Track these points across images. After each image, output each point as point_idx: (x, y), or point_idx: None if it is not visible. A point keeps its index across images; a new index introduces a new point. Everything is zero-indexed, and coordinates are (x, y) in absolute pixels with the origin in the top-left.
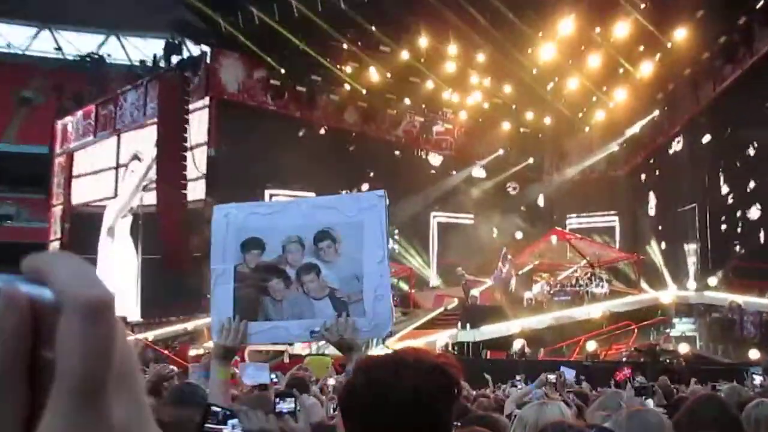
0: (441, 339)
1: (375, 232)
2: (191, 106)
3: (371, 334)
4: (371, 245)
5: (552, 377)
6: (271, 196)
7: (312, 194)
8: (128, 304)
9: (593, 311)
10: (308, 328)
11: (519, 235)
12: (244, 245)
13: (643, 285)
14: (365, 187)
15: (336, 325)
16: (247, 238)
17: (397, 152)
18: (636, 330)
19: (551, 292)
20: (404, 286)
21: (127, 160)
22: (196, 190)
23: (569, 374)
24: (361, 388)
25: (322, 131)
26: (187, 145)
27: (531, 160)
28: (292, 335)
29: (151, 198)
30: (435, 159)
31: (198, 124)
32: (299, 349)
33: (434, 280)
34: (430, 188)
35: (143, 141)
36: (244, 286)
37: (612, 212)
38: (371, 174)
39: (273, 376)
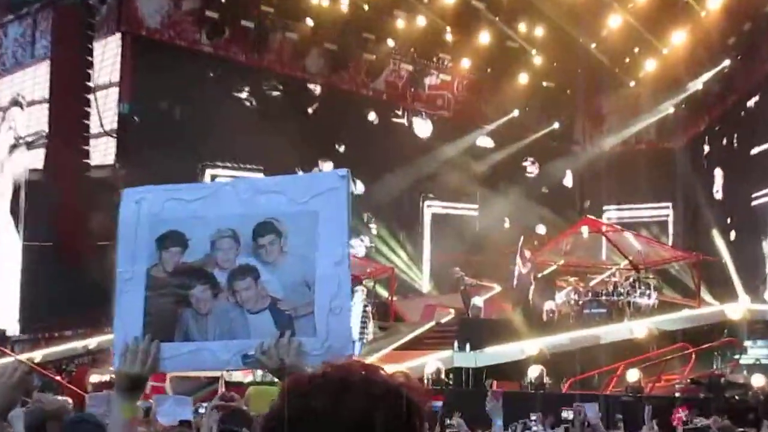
0: (431, 363)
1: (334, 225)
2: (96, 44)
3: (324, 358)
4: (328, 242)
5: (569, 415)
6: (211, 176)
7: (259, 174)
8: (5, 312)
9: (636, 329)
10: (240, 350)
11: (540, 228)
12: (160, 241)
13: (705, 295)
14: (328, 166)
15: (277, 347)
16: (165, 232)
17: (373, 116)
18: (694, 355)
19: (580, 302)
20: (383, 292)
21: (4, 106)
22: (101, 151)
23: (592, 412)
24: (291, 418)
25: (275, 83)
26: (91, 95)
27: (556, 126)
28: (220, 360)
29: (37, 159)
30: (424, 125)
31: (106, 70)
32: (240, 375)
33: (424, 285)
34: (420, 163)
35: (29, 83)
36: (158, 295)
37: (663, 198)
38: (340, 146)
39: (202, 409)
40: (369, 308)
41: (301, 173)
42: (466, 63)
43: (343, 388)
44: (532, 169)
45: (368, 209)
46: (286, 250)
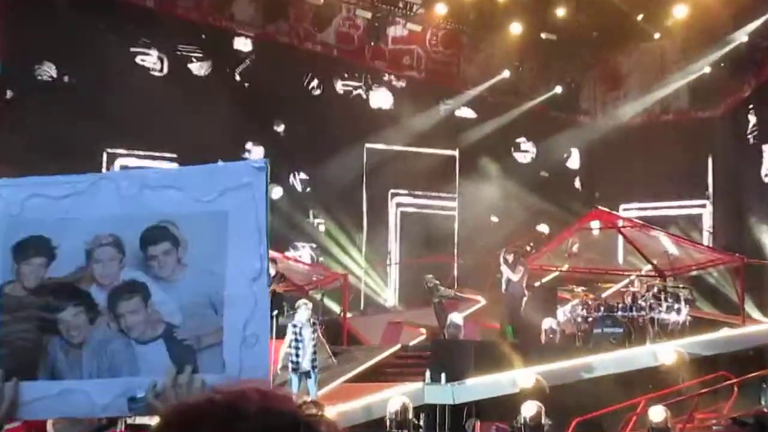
0: (394, 399)
1: (248, 230)
2: None
3: None
4: (241, 252)
5: None
6: (120, 166)
7: (172, 164)
8: None
9: (662, 353)
10: (125, 392)
11: (541, 225)
12: (18, 250)
13: (751, 309)
14: (258, 152)
15: (174, 387)
16: (25, 238)
17: (320, 81)
18: (736, 387)
19: (590, 319)
20: (333, 306)
21: None
22: None
23: None
24: None
25: (192, 38)
26: None
27: (558, 90)
28: (97, 405)
29: None
30: (387, 92)
31: None
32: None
33: (388, 297)
34: (382, 142)
35: None
36: (15, 321)
37: (697, 185)
38: (278, 125)
39: None
40: (318, 329)
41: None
42: (441, 9)
43: (235, 418)
44: (527, 147)
45: (315, 204)
46: (186, 263)
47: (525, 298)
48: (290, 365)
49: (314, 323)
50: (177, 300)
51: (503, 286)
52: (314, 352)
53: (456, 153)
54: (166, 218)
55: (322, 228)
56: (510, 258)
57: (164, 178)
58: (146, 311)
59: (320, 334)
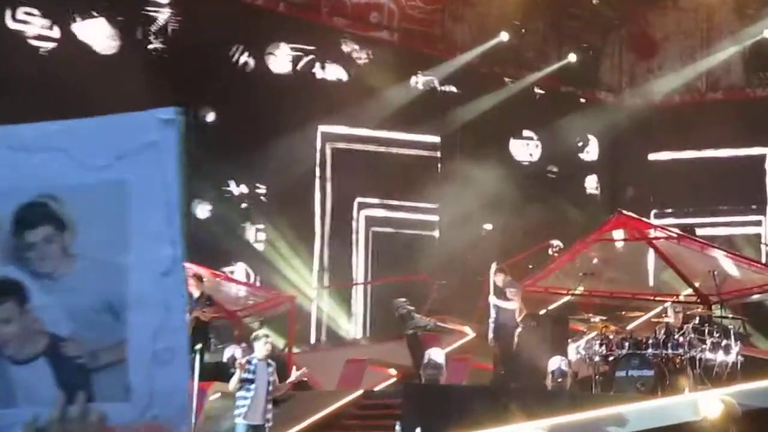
0: None
1: (154, 205)
2: None
3: None
4: (146, 236)
5: None
6: None
7: None
8: None
9: (706, 404)
10: None
11: (553, 239)
12: None
13: None
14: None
15: (62, 421)
16: None
17: (254, 56)
18: None
19: (610, 357)
20: (276, 339)
21: None
22: None
23: None
24: None
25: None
26: None
27: (572, 59)
28: None
29: None
30: (352, 61)
31: None
32: None
33: (347, 327)
34: (342, 121)
35: None
36: None
37: (754, 186)
38: (206, 113)
39: None
40: (275, 371)
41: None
42: None
43: None
44: (530, 134)
45: (254, 211)
46: (74, 253)
47: (517, 331)
48: (240, 411)
49: (270, 364)
50: (64, 303)
51: (492, 317)
52: (270, 401)
53: (438, 140)
54: (45, 192)
55: (262, 239)
56: (499, 280)
57: (41, 137)
58: (22, 319)
59: (276, 379)
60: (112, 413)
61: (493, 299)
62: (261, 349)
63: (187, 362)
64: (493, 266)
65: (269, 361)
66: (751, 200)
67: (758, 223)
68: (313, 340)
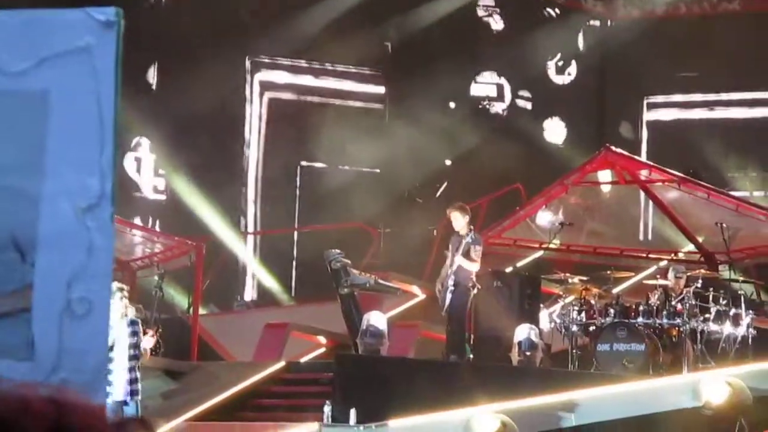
0: None
1: (82, 123)
2: None
3: None
4: (68, 160)
5: None
6: None
7: None
8: None
9: (708, 387)
10: None
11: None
12: None
13: None
14: None
15: None
16: None
17: None
18: None
19: (591, 327)
20: (179, 298)
21: None
22: None
23: None
24: None
25: None
26: None
27: None
28: None
29: None
30: None
31: None
32: None
33: (266, 284)
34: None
35: None
36: None
37: None
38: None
39: None
40: (139, 332)
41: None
42: None
43: None
44: (493, 55)
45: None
46: None
47: (473, 293)
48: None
49: (133, 322)
50: None
51: (445, 277)
52: (134, 370)
53: (387, 47)
54: None
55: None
56: (459, 221)
57: None
58: None
59: (155, 343)
60: (9, 373)
61: (459, 258)
62: (116, 305)
63: (107, 318)
64: (451, 210)
65: (132, 319)
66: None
67: None
68: (224, 300)
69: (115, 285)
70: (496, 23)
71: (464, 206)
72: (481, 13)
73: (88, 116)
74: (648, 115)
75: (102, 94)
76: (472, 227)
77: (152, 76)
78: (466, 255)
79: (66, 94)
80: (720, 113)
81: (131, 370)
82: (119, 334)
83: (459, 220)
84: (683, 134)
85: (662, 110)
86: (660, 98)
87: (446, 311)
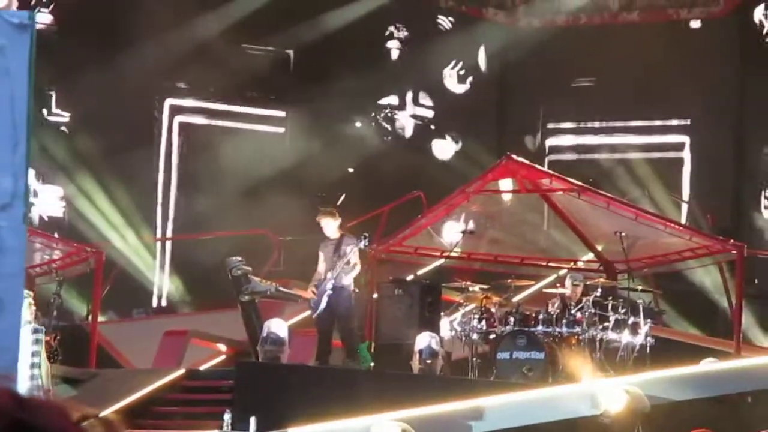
0: None
1: None
2: None
3: None
4: None
5: None
6: None
7: None
8: None
9: (606, 395)
10: None
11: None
12: None
13: (752, 330)
14: None
15: None
16: None
17: None
18: None
19: (491, 335)
20: (76, 305)
21: None
22: None
23: None
24: None
25: None
26: None
27: None
28: None
29: None
30: None
31: None
32: None
33: (166, 292)
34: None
35: None
36: None
37: (676, 114)
38: None
39: None
40: (42, 340)
41: None
42: None
43: None
44: (393, 44)
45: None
46: None
47: (353, 296)
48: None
49: (37, 330)
50: None
51: (320, 278)
52: (35, 378)
53: (290, 54)
54: None
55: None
56: (330, 226)
57: None
58: None
59: (50, 351)
60: None
61: (351, 260)
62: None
63: (19, 317)
64: (321, 213)
65: (36, 326)
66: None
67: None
68: (122, 307)
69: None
70: (398, 32)
71: (333, 211)
72: (383, 21)
73: (1, 117)
74: (549, 140)
75: (15, 94)
76: (342, 231)
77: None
78: (348, 258)
79: None
80: (618, 139)
81: (33, 378)
82: (22, 341)
83: (331, 225)
84: (581, 159)
85: (561, 136)
86: (558, 125)
87: (323, 314)
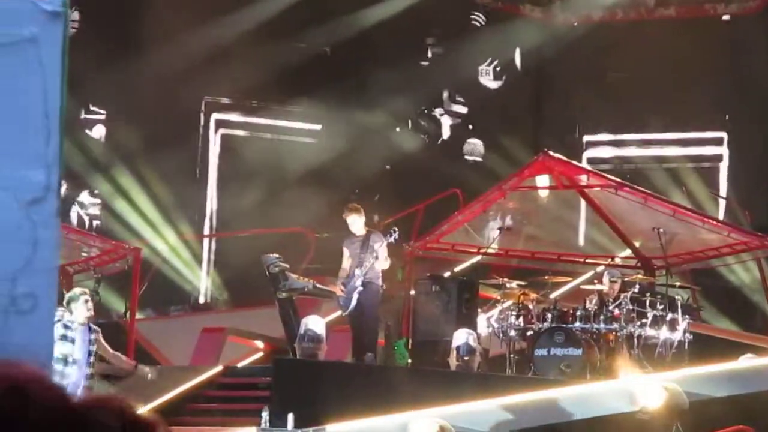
0: None
1: (26, 116)
2: None
3: None
4: (10, 153)
5: None
6: None
7: None
8: None
9: (644, 392)
10: None
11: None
12: None
13: None
14: None
15: None
16: None
17: None
18: None
19: (529, 332)
20: (113, 302)
21: None
22: None
23: None
24: None
25: None
26: None
27: None
28: None
29: None
30: None
31: None
32: None
33: (204, 289)
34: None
35: None
36: None
37: (713, 122)
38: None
39: None
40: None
41: None
42: None
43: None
44: (438, 50)
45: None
46: None
47: (380, 293)
48: None
49: (92, 329)
50: None
51: (347, 275)
52: (92, 377)
53: (328, 49)
54: None
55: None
56: (356, 223)
57: None
58: None
59: (105, 346)
60: None
61: (379, 259)
62: (81, 310)
63: (53, 313)
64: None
65: (91, 325)
66: (706, 133)
67: (715, 172)
68: (161, 304)
69: (80, 290)
70: (434, 29)
71: (358, 207)
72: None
73: (34, 108)
74: (586, 136)
75: (48, 85)
76: (368, 227)
77: None
78: (376, 254)
79: (10, 86)
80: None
81: (88, 377)
82: (80, 337)
83: (357, 222)
84: (617, 155)
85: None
86: (594, 121)
87: (354, 312)
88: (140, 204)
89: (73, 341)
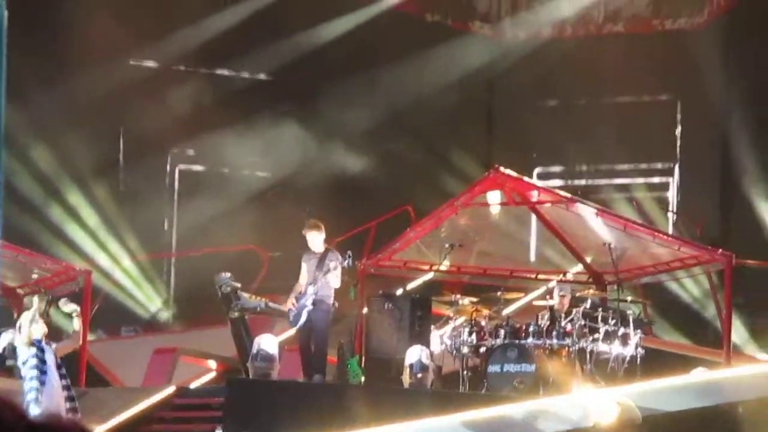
0: None
1: None
2: None
3: None
4: None
5: None
6: None
7: None
8: None
9: (597, 407)
10: None
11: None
12: None
13: (741, 339)
14: None
15: None
16: None
17: None
18: None
19: (482, 348)
20: (65, 324)
21: None
22: None
23: None
24: None
25: None
26: None
27: None
28: None
29: None
30: None
31: None
32: None
33: (155, 309)
34: None
35: None
36: None
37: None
38: None
39: None
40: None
41: None
42: None
43: None
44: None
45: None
46: None
47: (331, 311)
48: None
49: (50, 344)
50: None
51: (301, 291)
52: (68, 389)
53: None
54: None
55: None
56: (316, 240)
57: None
58: None
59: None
60: None
61: (330, 276)
62: (40, 327)
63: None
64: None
65: (49, 342)
66: (655, 151)
67: (669, 172)
68: (109, 325)
69: (33, 309)
70: (384, 46)
71: (319, 224)
72: (369, 36)
73: None
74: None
75: None
76: (327, 245)
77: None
78: (329, 273)
79: None
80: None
81: (65, 388)
82: (49, 353)
83: (317, 239)
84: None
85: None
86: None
87: (303, 329)
88: (91, 223)
89: (44, 361)
